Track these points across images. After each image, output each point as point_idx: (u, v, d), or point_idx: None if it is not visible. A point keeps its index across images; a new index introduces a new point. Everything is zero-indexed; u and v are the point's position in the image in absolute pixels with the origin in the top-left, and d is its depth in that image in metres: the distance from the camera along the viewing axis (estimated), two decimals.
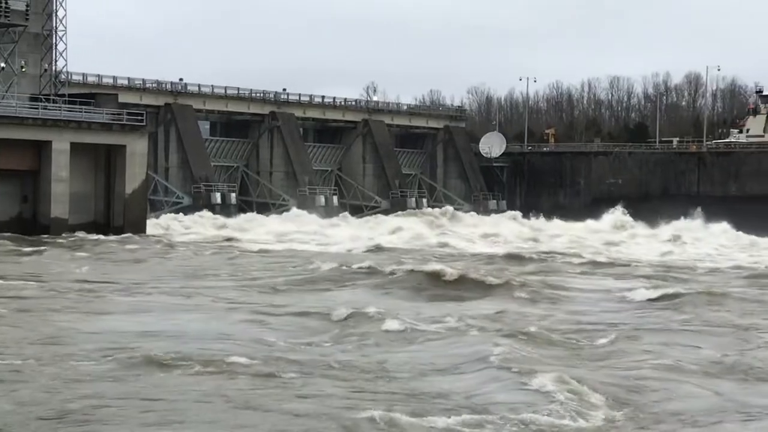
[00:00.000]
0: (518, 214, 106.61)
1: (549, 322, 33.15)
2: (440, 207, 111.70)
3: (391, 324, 30.95)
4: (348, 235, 79.75)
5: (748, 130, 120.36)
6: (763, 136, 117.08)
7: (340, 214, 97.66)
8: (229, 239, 74.20)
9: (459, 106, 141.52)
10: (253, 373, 23.61)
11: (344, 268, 49.03)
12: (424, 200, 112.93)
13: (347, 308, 34.02)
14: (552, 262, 60.13)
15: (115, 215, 77.02)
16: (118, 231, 74.39)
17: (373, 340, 29.11)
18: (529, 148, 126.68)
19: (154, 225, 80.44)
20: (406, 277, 45.27)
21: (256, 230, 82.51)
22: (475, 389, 22.29)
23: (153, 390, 21.75)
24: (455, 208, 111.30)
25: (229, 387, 22.14)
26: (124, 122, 78.70)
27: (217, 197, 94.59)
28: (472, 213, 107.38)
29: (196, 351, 25.95)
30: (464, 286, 42.69)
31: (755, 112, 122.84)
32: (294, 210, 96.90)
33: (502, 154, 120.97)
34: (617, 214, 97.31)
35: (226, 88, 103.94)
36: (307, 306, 35.97)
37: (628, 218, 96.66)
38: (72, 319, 32.23)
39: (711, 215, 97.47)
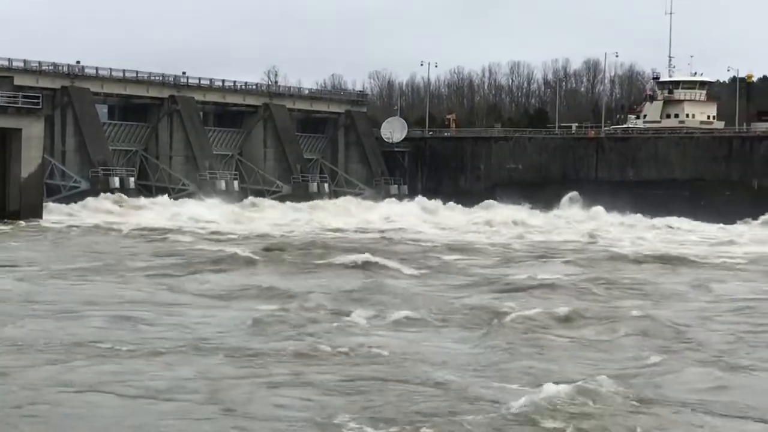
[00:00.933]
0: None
1: None
2: (342, 191, 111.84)
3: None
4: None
5: (645, 116, 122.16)
6: (659, 122, 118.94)
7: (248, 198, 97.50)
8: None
9: (360, 91, 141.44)
10: None
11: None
12: (326, 185, 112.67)
13: None
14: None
15: (11, 200, 75.62)
16: (14, 215, 73.07)
17: None
18: (431, 133, 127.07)
19: (51, 209, 79.32)
20: None
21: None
22: None
23: None
24: (356, 193, 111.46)
25: None
26: (20, 105, 77.13)
27: (116, 181, 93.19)
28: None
29: None
30: None
31: (652, 98, 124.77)
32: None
33: (404, 139, 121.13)
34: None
35: (124, 71, 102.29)
36: None
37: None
38: None
39: (609, 199, 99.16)
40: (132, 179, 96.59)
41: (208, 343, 25.32)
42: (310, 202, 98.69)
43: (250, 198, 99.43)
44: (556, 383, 20.29)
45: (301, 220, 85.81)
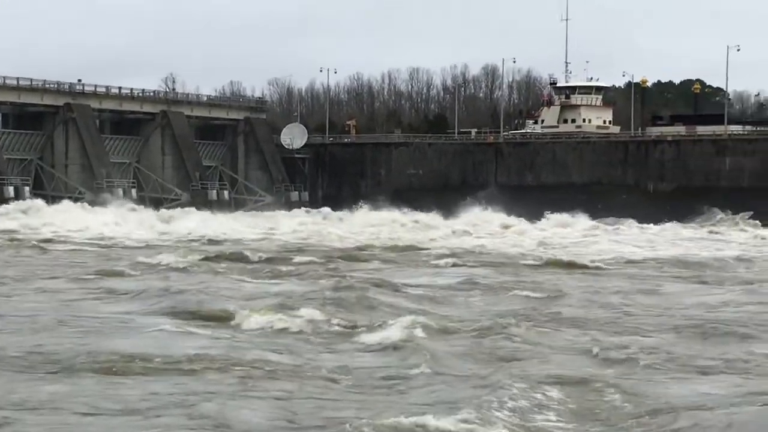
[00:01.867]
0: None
1: None
2: (242, 199, 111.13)
3: None
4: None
5: (542, 121, 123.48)
6: (557, 127, 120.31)
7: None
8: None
9: (260, 98, 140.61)
10: None
11: None
12: (226, 192, 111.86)
13: None
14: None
15: None
16: None
17: None
18: (331, 139, 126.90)
19: None
20: None
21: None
22: None
23: None
24: (257, 200, 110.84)
25: None
26: None
27: (10, 191, 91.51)
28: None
29: None
30: None
31: (550, 103, 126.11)
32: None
33: (304, 145, 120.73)
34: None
35: (18, 78, 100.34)
36: None
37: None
38: None
39: (507, 204, 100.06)
40: (27, 188, 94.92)
41: None
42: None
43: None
44: None
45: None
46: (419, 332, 27.60)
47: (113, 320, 30.18)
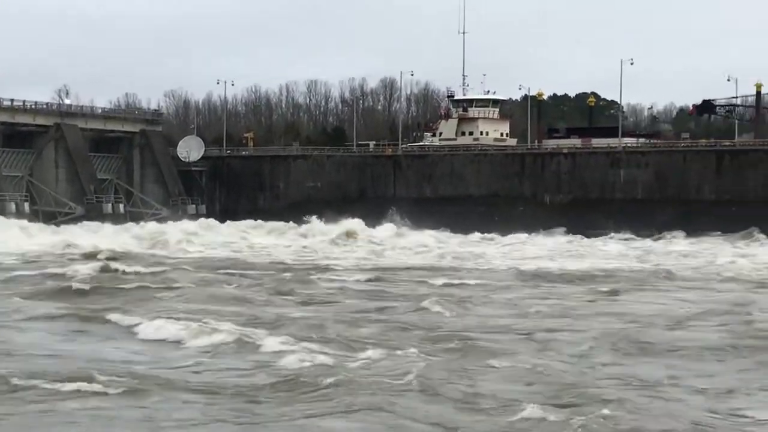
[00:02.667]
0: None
1: None
2: (138, 212, 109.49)
3: None
4: None
5: (440, 134, 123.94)
6: (455, 140, 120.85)
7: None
8: None
9: (156, 110, 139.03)
10: None
11: None
12: (121, 206, 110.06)
13: None
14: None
15: None
16: None
17: None
18: (228, 151, 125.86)
19: None
20: None
21: None
22: None
23: None
24: (153, 213, 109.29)
25: None
26: None
27: None
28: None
29: None
30: None
31: (447, 116, 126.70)
32: None
33: (201, 158, 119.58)
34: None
35: None
36: None
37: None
38: None
39: (406, 216, 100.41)
40: None
41: None
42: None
43: None
44: None
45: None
46: None
47: None
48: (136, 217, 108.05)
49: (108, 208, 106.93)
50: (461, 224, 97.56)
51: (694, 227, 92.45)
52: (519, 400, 23.05)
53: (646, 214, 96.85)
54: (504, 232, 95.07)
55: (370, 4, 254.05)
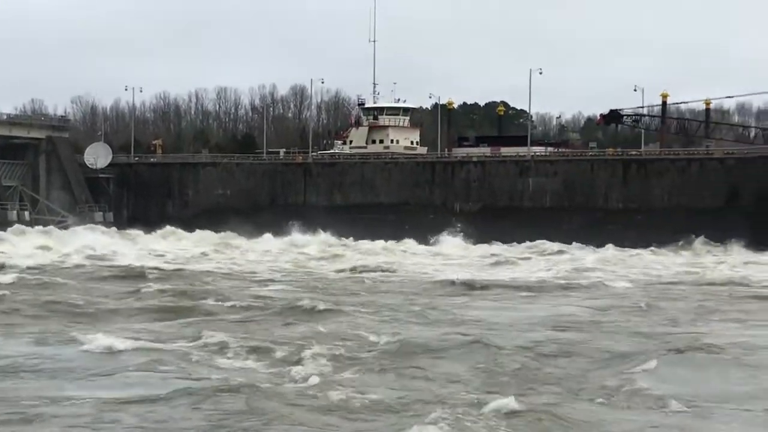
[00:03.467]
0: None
1: None
2: (44, 220, 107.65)
3: None
4: None
5: (351, 142, 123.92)
6: (365, 147, 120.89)
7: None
8: None
9: (62, 116, 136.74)
10: None
11: None
12: (27, 213, 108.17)
13: None
14: None
15: None
16: None
17: None
18: (136, 158, 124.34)
19: None
20: None
21: None
22: None
23: None
24: (59, 221, 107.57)
25: None
26: None
27: None
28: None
29: None
30: None
31: (358, 124, 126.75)
32: None
33: (109, 164, 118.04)
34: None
35: None
36: None
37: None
38: None
39: (317, 225, 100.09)
40: None
41: None
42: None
43: None
44: None
45: None
46: None
47: None
48: (41, 225, 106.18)
49: (13, 215, 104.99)
50: (371, 232, 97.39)
51: (601, 235, 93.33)
52: None
53: (555, 222, 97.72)
54: (418, 239, 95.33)
55: (280, 11, 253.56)
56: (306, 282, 56.46)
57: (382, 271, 65.96)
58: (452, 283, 55.36)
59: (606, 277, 61.24)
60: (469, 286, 54.14)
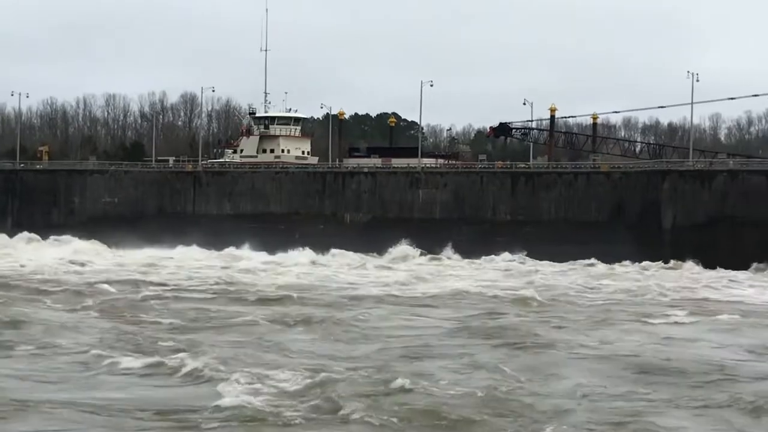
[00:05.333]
0: None
1: None
2: None
3: None
4: None
5: (242, 151, 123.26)
6: (256, 157, 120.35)
7: None
8: None
9: None
10: None
11: None
12: None
13: None
14: None
15: None
16: None
17: None
18: (22, 165, 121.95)
19: None
20: None
21: None
22: None
23: None
24: None
25: None
26: None
27: None
28: None
29: None
30: None
31: (249, 133, 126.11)
32: None
33: None
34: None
35: None
36: None
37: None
38: None
39: (208, 235, 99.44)
40: None
41: None
42: None
43: None
44: None
45: None
46: None
47: None
48: None
49: None
50: (262, 241, 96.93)
51: (490, 247, 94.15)
52: None
53: (444, 233, 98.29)
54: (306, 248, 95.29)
55: (171, 18, 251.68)
56: None
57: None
58: None
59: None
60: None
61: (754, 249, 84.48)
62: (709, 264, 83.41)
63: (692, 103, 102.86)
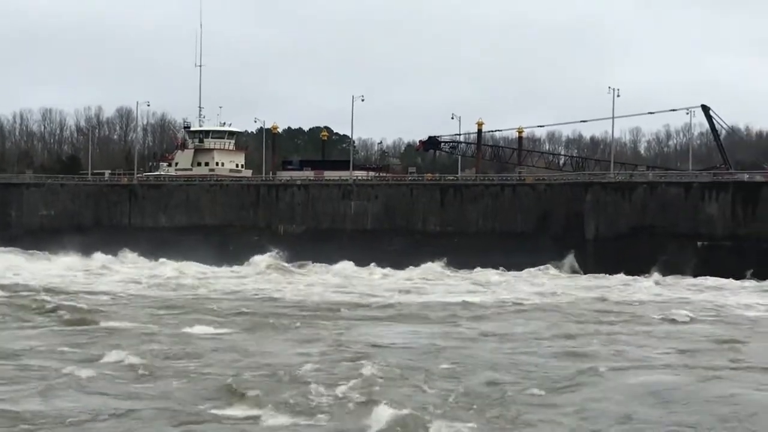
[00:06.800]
0: None
1: None
2: None
3: None
4: None
5: (176, 164, 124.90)
6: (191, 170, 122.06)
7: None
8: None
9: None
10: None
11: None
12: None
13: None
14: None
15: None
16: None
17: None
18: None
19: None
20: None
21: None
22: None
23: None
24: None
25: None
26: None
27: None
28: None
29: None
30: None
31: (183, 146, 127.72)
32: None
33: None
34: None
35: None
36: None
37: None
38: None
39: (141, 246, 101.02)
40: None
41: None
42: None
43: None
44: None
45: None
46: None
47: None
48: None
49: None
50: (194, 253, 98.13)
51: (419, 257, 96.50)
52: None
53: (375, 244, 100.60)
54: (239, 261, 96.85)
55: (107, 34, 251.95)
56: None
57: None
58: None
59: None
60: None
61: (672, 257, 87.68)
62: (631, 272, 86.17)
63: (613, 117, 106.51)
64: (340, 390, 29.20)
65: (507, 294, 66.88)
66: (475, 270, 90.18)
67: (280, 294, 65.20)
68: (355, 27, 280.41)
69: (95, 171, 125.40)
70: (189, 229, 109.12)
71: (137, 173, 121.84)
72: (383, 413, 25.78)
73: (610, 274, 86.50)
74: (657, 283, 79.75)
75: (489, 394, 29.42)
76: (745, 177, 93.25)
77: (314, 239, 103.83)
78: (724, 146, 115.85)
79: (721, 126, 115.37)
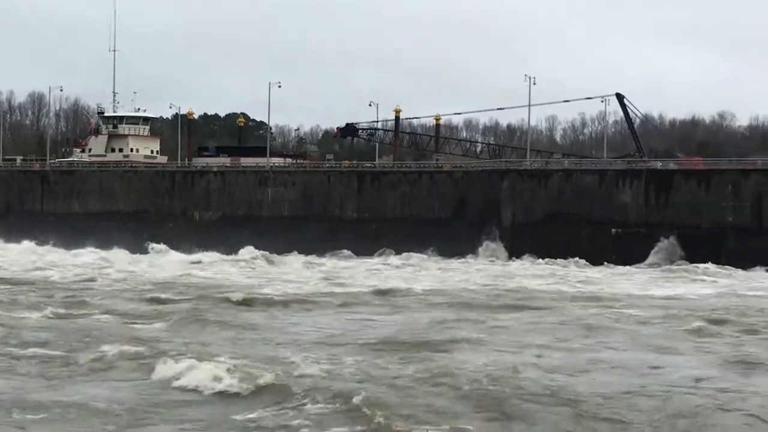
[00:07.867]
0: None
1: None
2: None
3: None
4: None
5: (90, 150, 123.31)
6: (104, 156, 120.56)
7: None
8: None
9: None
10: None
11: None
12: None
13: None
14: None
15: None
16: None
17: None
18: None
19: None
20: None
21: None
22: None
23: None
24: None
25: None
26: None
27: None
28: None
29: None
30: None
31: (97, 132, 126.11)
32: None
33: None
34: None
35: None
36: None
37: None
38: None
39: (55, 233, 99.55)
40: None
41: None
42: None
43: None
44: None
45: None
46: None
47: None
48: None
49: None
50: (109, 240, 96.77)
51: (337, 243, 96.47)
52: None
53: (292, 231, 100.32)
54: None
55: (18, 17, 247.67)
56: None
57: None
58: None
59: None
60: None
61: (587, 244, 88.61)
62: (547, 257, 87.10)
63: (530, 105, 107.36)
64: None
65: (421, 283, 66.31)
66: (391, 256, 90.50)
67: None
68: (273, 13, 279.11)
69: (6, 157, 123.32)
70: (103, 215, 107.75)
71: (50, 159, 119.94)
72: None
73: (527, 261, 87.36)
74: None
75: None
76: (659, 165, 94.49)
77: (230, 226, 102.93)
78: (638, 134, 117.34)
79: (636, 114, 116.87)
